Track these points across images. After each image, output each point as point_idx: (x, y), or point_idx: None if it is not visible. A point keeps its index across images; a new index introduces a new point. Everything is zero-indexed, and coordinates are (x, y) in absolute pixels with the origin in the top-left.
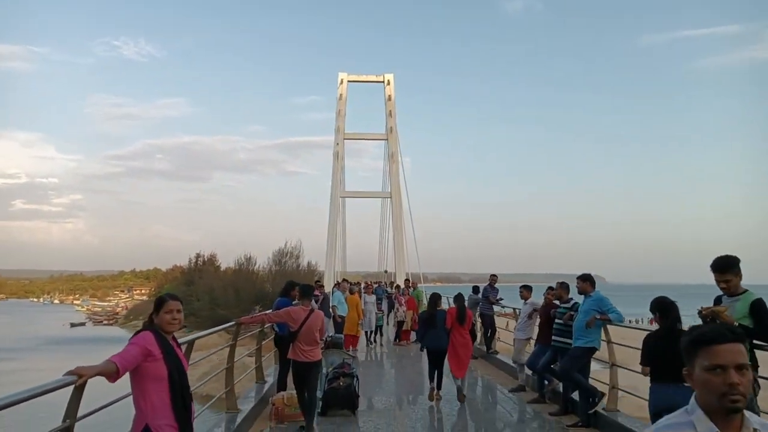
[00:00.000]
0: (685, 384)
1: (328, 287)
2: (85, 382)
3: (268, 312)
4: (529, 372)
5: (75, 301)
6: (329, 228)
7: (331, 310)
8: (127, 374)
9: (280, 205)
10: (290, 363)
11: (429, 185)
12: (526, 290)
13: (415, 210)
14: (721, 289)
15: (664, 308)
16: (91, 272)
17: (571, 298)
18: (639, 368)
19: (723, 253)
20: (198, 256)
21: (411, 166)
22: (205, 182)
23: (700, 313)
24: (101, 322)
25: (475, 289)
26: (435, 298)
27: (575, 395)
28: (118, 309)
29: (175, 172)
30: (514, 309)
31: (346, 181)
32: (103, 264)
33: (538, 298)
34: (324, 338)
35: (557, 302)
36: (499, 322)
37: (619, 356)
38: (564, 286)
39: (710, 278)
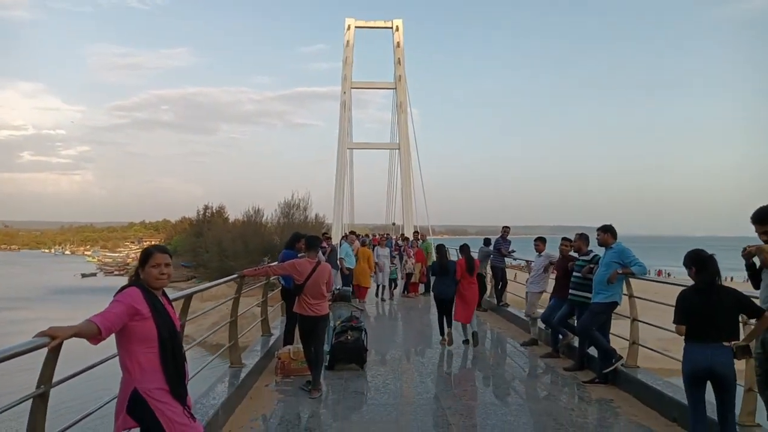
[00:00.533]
0: (725, 344)
1: (336, 240)
2: (59, 345)
3: (272, 264)
4: (542, 326)
5: (86, 252)
6: (337, 180)
7: (338, 262)
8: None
9: (288, 157)
10: (296, 317)
11: (438, 137)
12: (541, 242)
13: (423, 162)
14: (763, 240)
15: (701, 262)
16: (101, 224)
17: (591, 251)
18: (664, 324)
19: (748, 205)
20: (206, 207)
21: (420, 118)
22: (212, 134)
23: (744, 251)
24: (112, 272)
25: (487, 241)
26: (443, 250)
27: (592, 350)
28: (129, 260)
29: (181, 124)
30: (527, 261)
31: (353, 132)
32: (113, 216)
33: (552, 251)
34: (331, 291)
35: (575, 255)
36: (509, 274)
37: (641, 311)
38: (583, 238)
39: (717, 230)
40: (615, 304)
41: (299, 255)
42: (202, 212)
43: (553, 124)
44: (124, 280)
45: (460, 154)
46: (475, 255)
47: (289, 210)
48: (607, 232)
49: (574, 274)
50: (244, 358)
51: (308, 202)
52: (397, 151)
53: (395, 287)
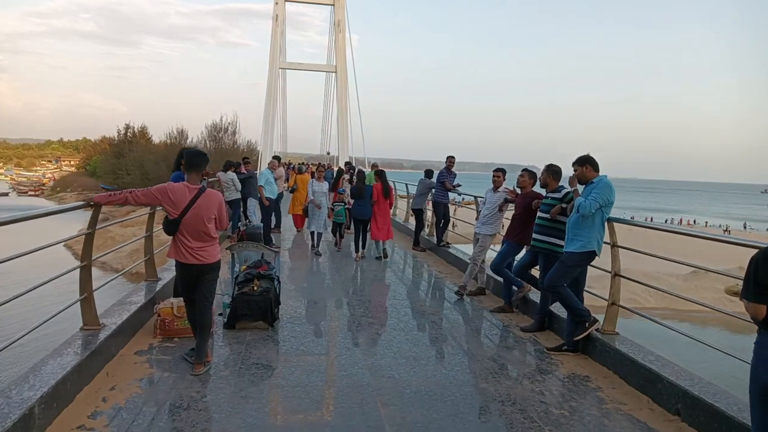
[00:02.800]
0: None
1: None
2: None
3: (135, 189)
4: (492, 274)
5: None
6: (267, 101)
7: (258, 191)
8: None
9: (220, 79)
10: None
11: (376, 66)
12: (501, 174)
13: (361, 92)
14: None
15: None
16: (16, 140)
17: (562, 187)
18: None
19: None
20: (127, 127)
21: (359, 44)
22: (136, 48)
23: None
24: (26, 192)
25: (428, 173)
26: (362, 175)
27: (555, 308)
28: (45, 180)
29: (103, 35)
30: (475, 197)
31: (288, 53)
32: (29, 132)
33: (511, 187)
34: (238, 227)
35: (541, 192)
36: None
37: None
38: (552, 171)
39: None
40: (593, 254)
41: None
42: (123, 132)
43: (511, 51)
44: (39, 201)
45: (401, 85)
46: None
47: (216, 134)
48: (586, 164)
49: (540, 215)
50: (106, 316)
51: (236, 126)
52: (333, 74)
53: (342, 237)
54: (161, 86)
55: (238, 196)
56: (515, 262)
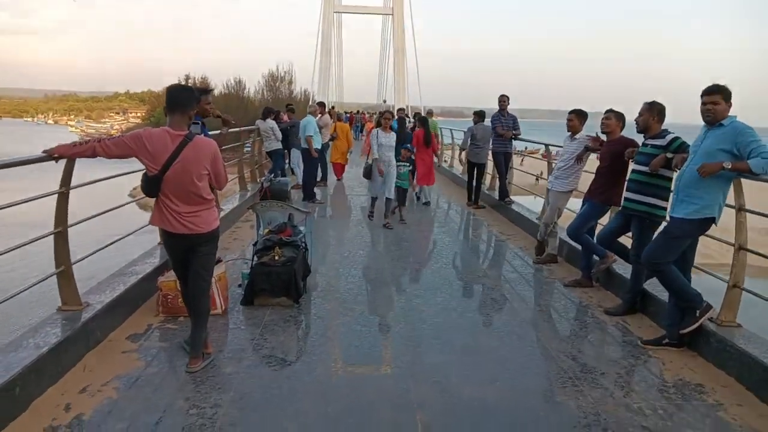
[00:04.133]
0: None
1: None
2: None
3: (103, 137)
4: (567, 239)
5: (69, 122)
6: (321, 48)
7: (307, 141)
8: None
9: (280, 27)
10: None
11: (436, 9)
12: (577, 118)
13: (419, 37)
14: None
15: None
16: (86, 93)
17: (666, 131)
18: None
19: None
20: (187, 78)
21: None
22: (197, 1)
23: None
24: None
25: (479, 115)
26: (402, 121)
27: (651, 286)
28: (113, 131)
29: None
30: (546, 145)
31: None
32: (98, 85)
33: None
34: (261, 182)
35: (634, 139)
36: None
37: (752, 234)
38: (656, 110)
39: None
40: (710, 221)
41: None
42: (183, 83)
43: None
44: None
45: (462, 28)
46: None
47: (273, 83)
48: (717, 92)
49: (635, 167)
50: (96, 291)
51: (293, 75)
52: (390, 17)
53: (404, 206)
54: (223, 37)
55: (279, 146)
56: (600, 227)
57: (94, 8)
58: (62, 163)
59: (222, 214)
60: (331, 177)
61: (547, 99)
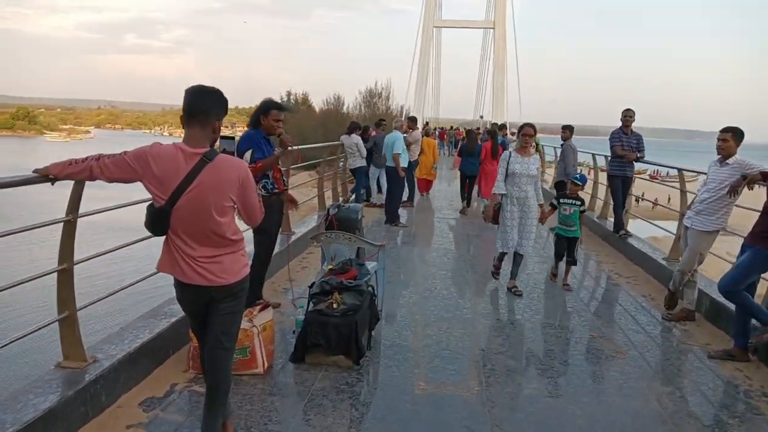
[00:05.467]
0: None
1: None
2: None
3: (104, 155)
4: (710, 293)
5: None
6: (420, 62)
7: (394, 159)
8: None
9: (381, 45)
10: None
11: (541, 21)
12: (733, 138)
13: (522, 50)
14: None
15: None
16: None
17: None
18: None
19: None
20: (289, 94)
21: (522, 4)
22: (305, 19)
23: None
24: None
25: (569, 128)
26: (471, 133)
27: None
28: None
29: (276, 8)
30: (679, 170)
31: (444, 12)
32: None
33: (747, 157)
34: (328, 210)
35: None
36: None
37: None
38: None
39: None
40: None
41: (222, 147)
42: (285, 99)
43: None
44: None
45: (566, 44)
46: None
47: (371, 99)
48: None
49: None
50: (112, 340)
51: (390, 90)
52: (491, 31)
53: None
54: (326, 54)
55: (363, 163)
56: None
57: (206, 29)
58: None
59: (294, 238)
60: (417, 195)
61: (681, 119)
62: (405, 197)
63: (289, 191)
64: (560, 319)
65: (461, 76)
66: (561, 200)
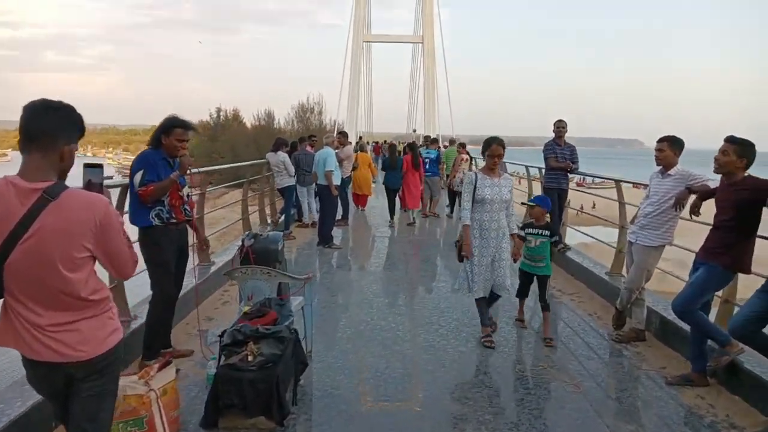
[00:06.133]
0: None
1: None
2: None
3: None
4: (660, 311)
5: (107, 155)
6: (351, 77)
7: (326, 177)
8: None
9: (309, 62)
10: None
11: (465, 38)
12: (671, 147)
13: (450, 65)
14: None
15: None
16: (125, 126)
17: None
18: None
19: None
20: (219, 110)
21: (450, 18)
22: (235, 34)
23: None
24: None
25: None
26: (393, 148)
27: None
28: None
29: (203, 22)
30: (616, 181)
31: (373, 27)
32: (136, 118)
33: (692, 167)
34: (243, 241)
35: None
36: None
37: None
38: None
39: None
40: None
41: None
42: (215, 115)
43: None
44: None
45: (493, 57)
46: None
47: (303, 114)
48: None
49: None
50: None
51: (322, 105)
52: (420, 45)
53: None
54: (255, 71)
55: (292, 182)
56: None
57: (130, 44)
58: None
59: (213, 268)
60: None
61: (602, 127)
62: (339, 216)
63: (202, 218)
64: (506, 346)
65: (394, 90)
66: (526, 230)
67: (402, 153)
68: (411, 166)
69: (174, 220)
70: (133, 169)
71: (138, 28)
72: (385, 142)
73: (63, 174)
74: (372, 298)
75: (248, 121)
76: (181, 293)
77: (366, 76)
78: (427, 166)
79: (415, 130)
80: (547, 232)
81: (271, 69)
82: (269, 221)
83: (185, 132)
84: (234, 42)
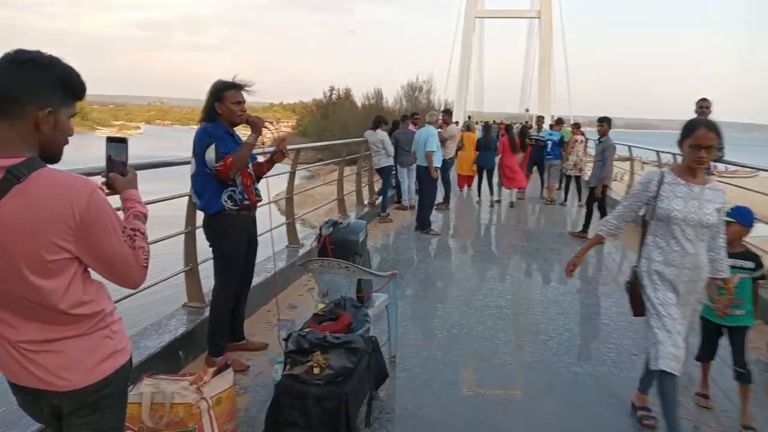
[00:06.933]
0: None
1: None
2: None
3: None
4: None
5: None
6: (462, 54)
7: (426, 157)
8: None
9: (425, 38)
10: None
11: (586, 15)
12: None
13: (571, 40)
14: None
15: None
16: (246, 104)
17: None
18: None
19: None
20: (332, 89)
21: None
22: (348, 14)
23: None
24: None
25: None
26: (488, 127)
27: None
28: (265, 139)
29: (318, 2)
30: None
31: (487, 1)
32: (256, 96)
33: None
34: (320, 230)
35: None
36: None
37: None
38: None
39: None
40: None
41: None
42: (328, 94)
43: None
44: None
45: (613, 31)
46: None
47: (412, 93)
48: None
49: None
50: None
51: (431, 84)
52: (537, 20)
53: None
54: (369, 50)
55: (390, 162)
56: None
57: (251, 25)
58: None
59: (302, 251)
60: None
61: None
62: (440, 199)
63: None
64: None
65: (507, 68)
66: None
67: (500, 135)
68: (508, 149)
69: (247, 202)
70: (199, 146)
71: (257, 9)
72: (494, 122)
73: (50, 147)
74: (470, 296)
75: (358, 100)
76: (266, 277)
77: (477, 54)
78: (549, 149)
79: (528, 110)
80: (749, 264)
81: (382, 49)
82: (366, 202)
83: (238, 92)
84: (348, 21)
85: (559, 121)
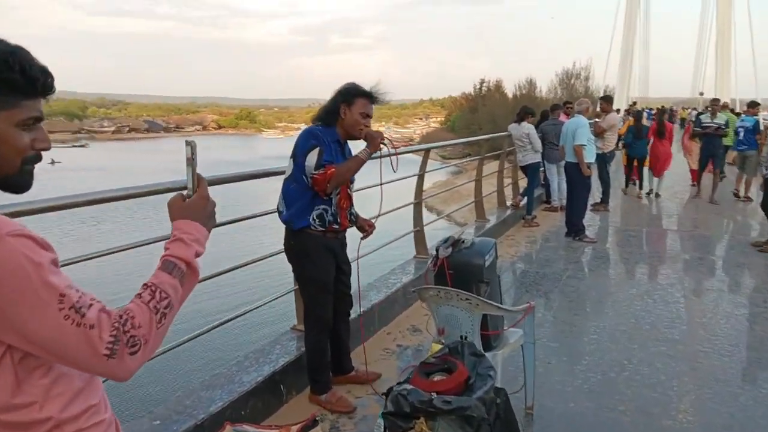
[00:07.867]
0: None
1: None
2: None
3: None
4: None
5: (380, 128)
6: (624, 35)
7: (575, 152)
8: None
9: (582, 22)
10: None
11: None
12: None
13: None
14: None
15: None
16: (396, 101)
17: None
18: None
19: None
20: (482, 82)
21: None
22: (497, 4)
23: None
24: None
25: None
26: (639, 115)
27: None
28: (414, 135)
29: None
30: None
31: None
32: (406, 93)
33: None
34: (437, 250)
35: None
36: None
37: None
38: None
39: None
40: None
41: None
42: (478, 87)
43: None
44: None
45: None
46: None
47: (568, 80)
48: None
49: None
50: None
51: (590, 70)
52: None
53: None
54: (518, 41)
55: (537, 158)
56: None
57: (401, 23)
58: None
59: (430, 263)
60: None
61: None
62: (597, 199)
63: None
64: None
65: (677, 48)
66: None
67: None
68: (655, 135)
69: (336, 226)
70: (301, 147)
71: (405, 7)
72: (662, 107)
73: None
74: (634, 324)
75: (509, 91)
76: (387, 293)
77: (642, 34)
78: (741, 136)
79: (702, 94)
80: None
81: (533, 38)
82: (508, 204)
83: (370, 104)
84: (496, 12)
85: (753, 104)
